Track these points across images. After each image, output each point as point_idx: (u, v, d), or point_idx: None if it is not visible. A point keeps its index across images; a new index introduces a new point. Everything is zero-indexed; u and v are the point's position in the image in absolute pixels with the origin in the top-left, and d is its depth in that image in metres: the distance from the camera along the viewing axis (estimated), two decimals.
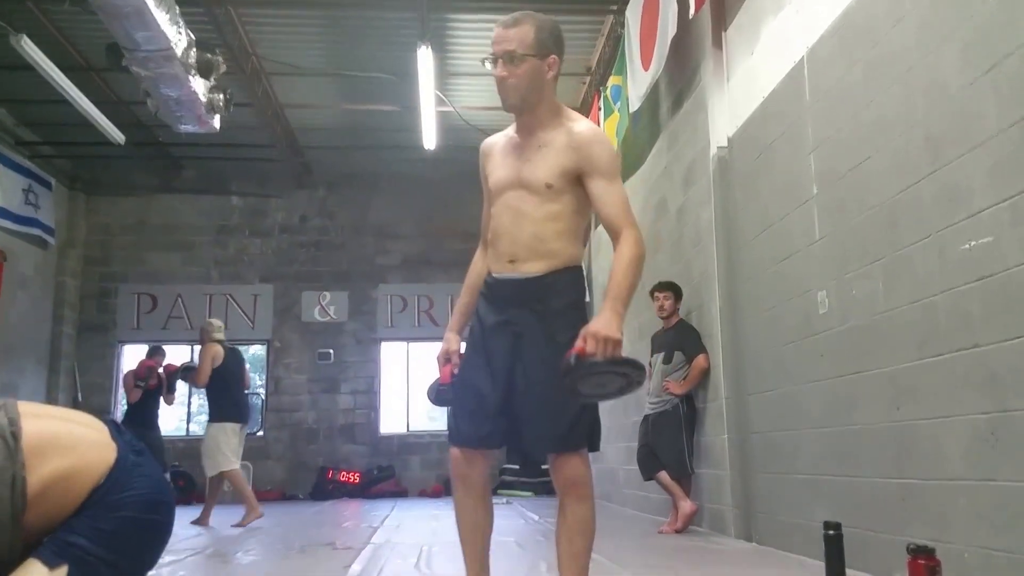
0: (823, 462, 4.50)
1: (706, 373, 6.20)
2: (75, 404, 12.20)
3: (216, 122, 8.57)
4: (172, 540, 6.38)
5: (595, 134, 2.60)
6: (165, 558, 5.15)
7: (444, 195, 12.94)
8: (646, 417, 6.63)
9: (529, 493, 11.42)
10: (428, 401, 2.84)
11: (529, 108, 2.59)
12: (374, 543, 5.77)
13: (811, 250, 4.61)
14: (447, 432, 2.72)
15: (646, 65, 6.92)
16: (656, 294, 6.64)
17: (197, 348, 12.56)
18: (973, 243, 3.21)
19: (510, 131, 2.72)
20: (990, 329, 3.11)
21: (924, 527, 3.47)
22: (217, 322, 8.27)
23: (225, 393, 7.84)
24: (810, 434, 4.66)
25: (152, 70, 7.22)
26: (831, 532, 3.81)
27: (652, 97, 7.48)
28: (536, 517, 7.76)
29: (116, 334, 12.80)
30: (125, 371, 8.66)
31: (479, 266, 2.78)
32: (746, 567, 4.52)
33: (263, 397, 12.59)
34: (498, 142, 2.72)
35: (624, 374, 2.42)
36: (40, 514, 1.88)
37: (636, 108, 7.46)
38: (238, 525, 7.48)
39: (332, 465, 12.46)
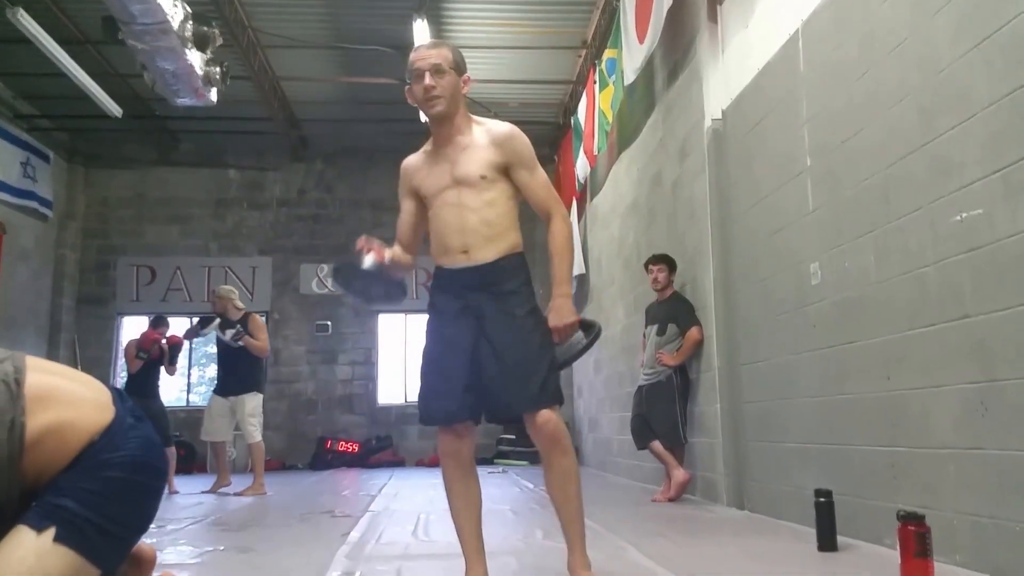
0: (814, 431, 4.55)
1: (699, 345, 6.25)
2: None
3: (213, 95, 8.56)
4: (173, 508, 6.46)
5: (512, 130, 2.93)
6: (166, 526, 5.23)
7: None
8: (640, 388, 6.69)
9: (524, 462, 11.54)
10: (333, 280, 3.06)
11: (449, 117, 2.89)
12: (372, 511, 5.85)
13: (804, 222, 4.64)
14: (418, 415, 2.90)
15: (641, 38, 6.91)
16: (650, 267, 6.68)
17: (196, 320, 12.72)
18: (964, 215, 3.24)
19: (426, 148, 3.01)
20: (980, 300, 3.15)
21: (914, 494, 3.52)
22: (234, 290, 8.34)
23: (261, 363, 7.94)
24: (802, 403, 4.71)
25: (148, 43, 7.21)
26: (822, 499, 3.89)
27: (647, 70, 7.47)
28: (531, 486, 7.85)
29: (116, 306, 12.86)
30: (127, 341, 8.64)
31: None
32: (738, 534, 4.58)
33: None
34: (418, 159, 3.01)
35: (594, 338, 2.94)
36: (34, 464, 1.89)
37: (631, 81, 7.45)
38: (239, 493, 7.58)
39: (331, 435, 12.57)
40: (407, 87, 2.92)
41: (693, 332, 6.25)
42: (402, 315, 13.33)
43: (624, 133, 8.90)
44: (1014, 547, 2.97)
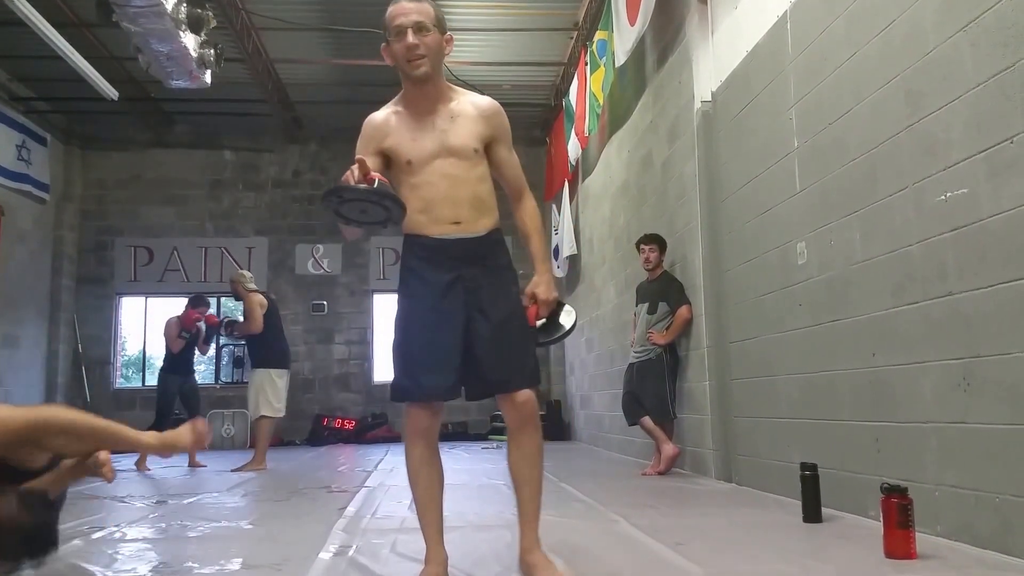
0: (801, 407, 4.64)
1: (689, 323, 6.32)
2: (76, 355, 12.37)
3: (207, 77, 8.58)
4: (169, 485, 6.51)
5: (499, 106, 2.83)
6: (167, 500, 5.32)
7: None
8: (631, 365, 6.78)
9: None
10: (325, 205, 2.64)
11: (432, 79, 2.74)
12: (368, 486, 5.91)
13: (791, 202, 4.70)
14: (396, 391, 2.71)
15: (632, 20, 6.94)
16: (642, 246, 6.74)
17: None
18: (949, 194, 3.30)
19: (396, 108, 2.82)
20: (964, 278, 3.22)
21: (897, 468, 3.61)
22: (248, 273, 8.55)
23: (269, 340, 8.06)
24: (788, 380, 4.80)
25: (142, 25, 7.24)
26: (807, 472, 3.98)
27: (638, 52, 7.50)
28: None
29: (114, 286, 12.89)
30: (167, 320, 8.83)
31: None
32: (726, 506, 4.68)
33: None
34: (391, 119, 2.79)
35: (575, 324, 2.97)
36: None
37: (622, 63, 7.47)
38: (237, 469, 7.69)
39: (327, 412, 12.68)
40: (384, 45, 2.75)
41: (683, 311, 6.33)
42: (396, 295, 13.37)
43: (615, 115, 8.94)
44: (993, 518, 3.05)
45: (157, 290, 13.02)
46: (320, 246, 13.19)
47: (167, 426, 8.28)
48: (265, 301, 8.13)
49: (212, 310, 9.43)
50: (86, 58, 9.10)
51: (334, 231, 13.31)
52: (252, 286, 8.22)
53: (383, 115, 2.82)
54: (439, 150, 2.69)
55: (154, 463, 8.31)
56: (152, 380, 14.44)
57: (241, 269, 8.90)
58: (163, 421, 8.39)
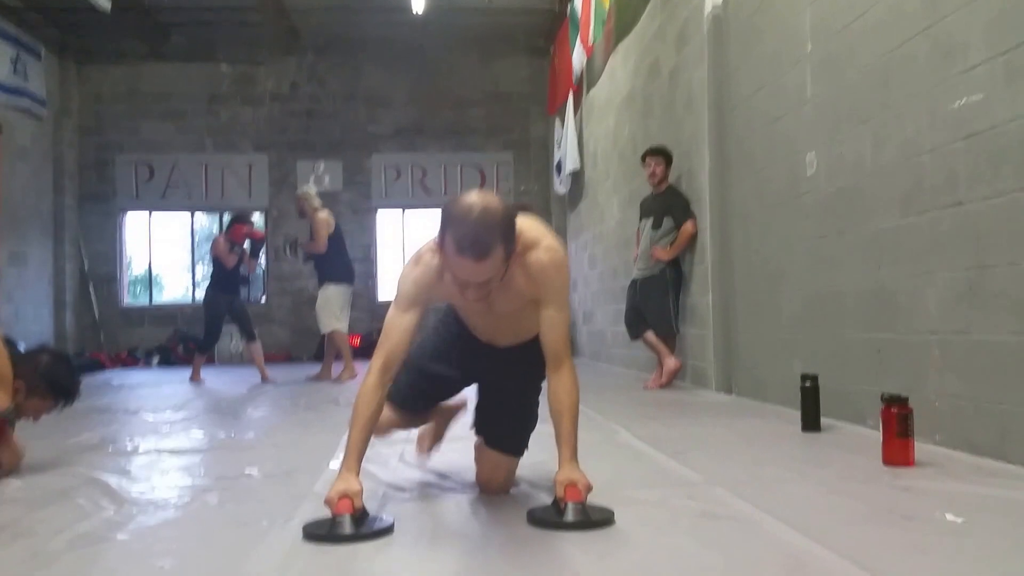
0: (804, 320, 4.64)
1: (694, 239, 6.28)
2: (82, 273, 12.40)
3: None
4: (184, 398, 6.55)
5: (551, 264, 2.50)
6: (178, 414, 5.38)
7: (435, 62, 12.77)
8: (634, 281, 6.77)
9: None
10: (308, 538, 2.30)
11: None
12: None
13: (802, 111, 4.61)
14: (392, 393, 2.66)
15: None
16: (647, 159, 6.64)
17: (197, 215, 12.73)
18: (963, 101, 3.23)
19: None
20: (974, 187, 3.17)
21: (898, 379, 3.62)
22: (314, 189, 8.62)
23: (336, 257, 8.19)
24: (792, 294, 4.79)
25: None
26: (808, 384, 4.00)
27: None
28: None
29: (117, 203, 12.80)
30: (215, 237, 8.83)
31: (374, 405, 2.44)
32: (726, 416, 4.74)
33: (264, 265, 12.76)
34: (442, 280, 2.48)
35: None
36: None
37: None
38: (336, 379, 8.00)
39: None
40: (443, 250, 2.32)
41: (688, 226, 6.28)
42: (399, 210, 13.30)
43: (622, 21, 8.69)
44: (990, 426, 3.09)
45: (160, 207, 12.93)
46: (321, 162, 13.04)
47: (213, 344, 8.55)
48: (332, 220, 8.24)
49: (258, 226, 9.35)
50: None
51: (334, 147, 13.17)
52: (317, 203, 8.27)
53: (433, 275, 2.50)
54: (485, 312, 2.63)
55: (168, 382, 8.37)
56: (159, 298, 14.56)
57: (307, 185, 8.92)
58: (211, 340, 8.58)
